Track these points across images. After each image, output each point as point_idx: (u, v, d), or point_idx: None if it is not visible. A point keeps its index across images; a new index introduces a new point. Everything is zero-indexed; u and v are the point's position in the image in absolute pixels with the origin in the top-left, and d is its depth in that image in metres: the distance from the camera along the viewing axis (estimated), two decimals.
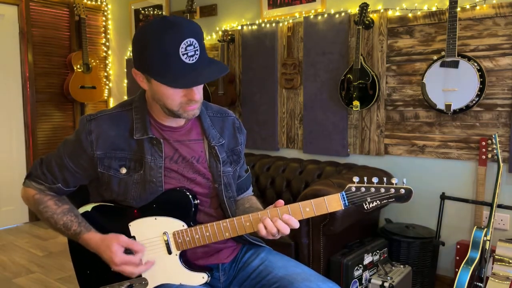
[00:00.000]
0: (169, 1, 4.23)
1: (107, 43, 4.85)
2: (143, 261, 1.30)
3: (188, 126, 1.40)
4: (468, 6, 2.63)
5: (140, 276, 1.33)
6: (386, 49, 2.94)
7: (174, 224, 1.31)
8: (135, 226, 1.33)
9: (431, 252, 2.65)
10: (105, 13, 4.82)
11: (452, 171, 2.77)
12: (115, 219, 1.36)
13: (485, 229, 2.20)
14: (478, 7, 2.60)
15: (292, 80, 3.37)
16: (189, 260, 1.35)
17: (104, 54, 4.84)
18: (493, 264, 2.17)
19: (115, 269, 1.28)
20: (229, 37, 3.67)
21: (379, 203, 1.22)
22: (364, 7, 2.87)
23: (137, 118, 1.34)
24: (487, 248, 2.20)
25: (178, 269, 1.32)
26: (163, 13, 4.27)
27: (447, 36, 2.53)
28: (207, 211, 1.41)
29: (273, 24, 3.45)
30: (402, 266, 2.60)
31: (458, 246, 2.60)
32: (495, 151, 2.45)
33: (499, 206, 2.43)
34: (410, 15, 2.83)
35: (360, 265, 2.46)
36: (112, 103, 4.88)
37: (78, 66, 4.37)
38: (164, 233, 1.31)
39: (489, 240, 2.20)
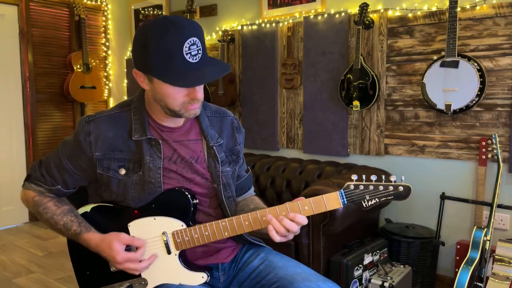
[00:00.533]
0: (169, 1, 4.23)
1: (107, 43, 4.85)
2: (145, 256, 1.30)
3: (187, 126, 1.40)
4: (468, 6, 2.63)
5: (139, 276, 1.33)
6: (386, 49, 2.94)
7: (173, 224, 1.31)
8: (134, 227, 1.33)
9: (431, 252, 2.65)
10: (105, 13, 4.82)
11: (452, 171, 2.77)
12: (114, 219, 1.36)
13: (485, 229, 2.20)
14: (478, 7, 2.60)
15: (292, 80, 3.37)
16: (188, 260, 1.35)
17: (104, 54, 4.84)
18: (493, 264, 2.17)
19: (118, 267, 1.28)
20: (229, 37, 3.67)
21: (377, 200, 1.22)
22: (364, 7, 2.87)
23: (136, 119, 1.34)
24: (487, 248, 2.20)
25: (178, 269, 1.32)
26: (163, 13, 4.27)
27: (447, 36, 2.53)
28: (206, 211, 1.41)
29: (273, 24, 3.45)
30: (402, 266, 2.60)
31: (458, 246, 2.60)
32: (495, 151, 2.45)
33: (499, 206, 2.43)
34: (410, 15, 2.83)
35: (360, 265, 2.45)
36: (112, 103, 4.88)
37: (78, 66, 4.37)
38: (163, 233, 1.31)
39: (489, 240, 2.20)
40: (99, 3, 4.75)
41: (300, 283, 1.28)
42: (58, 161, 1.37)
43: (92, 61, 4.48)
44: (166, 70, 1.19)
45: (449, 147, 2.77)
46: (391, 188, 1.21)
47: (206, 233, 1.28)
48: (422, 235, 2.71)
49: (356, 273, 2.43)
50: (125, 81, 4.69)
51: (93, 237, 1.31)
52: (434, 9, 2.75)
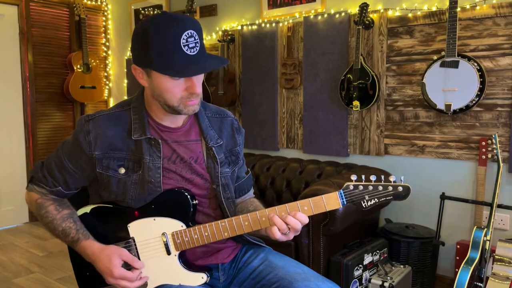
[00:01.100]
0: (169, 1, 4.23)
1: (107, 43, 4.85)
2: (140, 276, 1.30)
3: (187, 127, 1.40)
4: (468, 6, 2.62)
5: None
6: (386, 49, 2.94)
7: (173, 225, 1.31)
8: (134, 227, 1.33)
9: (431, 252, 2.65)
10: (105, 13, 4.82)
11: (452, 171, 2.77)
12: (114, 220, 1.36)
13: (485, 229, 2.20)
14: (478, 7, 2.60)
15: (292, 80, 3.37)
16: (188, 260, 1.35)
17: (104, 54, 4.84)
18: (493, 264, 2.16)
19: (110, 281, 1.27)
20: (229, 37, 3.67)
21: (377, 201, 1.22)
22: (364, 7, 2.87)
23: (135, 118, 1.34)
24: (487, 248, 2.20)
25: (177, 269, 1.32)
26: None
27: (447, 36, 2.53)
28: (206, 211, 1.41)
29: (273, 24, 3.45)
30: (402, 266, 2.60)
31: (458, 246, 2.60)
32: (495, 151, 2.44)
33: (499, 206, 2.43)
34: (410, 15, 2.83)
35: (360, 265, 2.45)
36: (112, 103, 4.88)
37: (78, 66, 4.37)
38: (163, 233, 1.30)
39: (489, 240, 2.20)
40: (99, 3, 4.75)
41: (300, 283, 1.28)
42: (58, 161, 1.37)
43: (92, 61, 4.48)
44: (165, 63, 1.19)
45: (449, 147, 2.76)
46: (390, 188, 1.21)
47: (206, 234, 1.28)
48: (422, 235, 2.71)
49: (356, 273, 2.43)
50: (125, 81, 4.69)
51: (90, 246, 1.31)
52: (434, 9, 2.75)
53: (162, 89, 1.25)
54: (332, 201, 1.23)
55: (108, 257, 1.27)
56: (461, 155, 2.73)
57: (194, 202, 1.33)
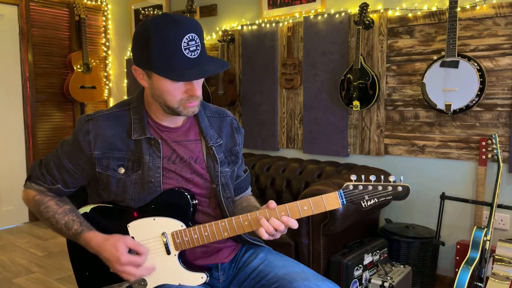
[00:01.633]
0: (169, 1, 4.23)
1: (107, 43, 4.85)
2: (145, 265, 1.30)
3: (186, 126, 1.40)
4: (468, 6, 2.62)
5: None
6: (386, 49, 2.94)
7: (173, 225, 1.31)
8: (133, 227, 1.33)
9: (431, 252, 2.65)
10: (105, 13, 4.82)
11: (452, 171, 2.77)
12: (113, 220, 1.36)
13: (485, 229, 2.20)
14: (478, 7, 2.60)
15: (292, 80, 3.37)
16: (188, 260, 1.35)
17: (104, 54, 4.85)
18: (493, 264, 2.16)
19: (117, 268, 1.26)
20: (229, 37, 3.67)
21: (377, 201, 1.22)
22: (364, 7, 2.87)
23: (135, 118, 1.34)
24: (487, 248, 2.20)
25: (177, 269, 1.32)
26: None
27: (447, 36, 2.53)
28: (205, 211, 1.41)
29: (273, 24, 3.45)
30: (402, 266, 2.60)
31: (458, 246, 2.60)
32: (495, 151, 2.44)
33: (499, 206, 2.42)
34: (410, 15, 2.83)
35: (360, 265, 2.45)
36: (112, 103, 4.88)
37: (78, 66, 4.37)
38: (163, 233, 1.30)
39: (489, 240, 2.20)
40: (99, 3, 4.75)
41: (300, 283, 1.28)
42: (57, 160, 1.37)
43: (92, 61, 4.48)
44: (166, 66, 1.19)
45: (449, 147, 2.76)
46: (390, 188, 1.21)
47: (206, 234, 1.28)
48: (422, 235, 2.71)
49: (356, 273, 2.43)
50: (125, 81, 4.69)
51: (94, 237, 1.31)
52: (434, 9, 2.75)
53: (162, 90, 1.25)
54: (331, 201, 1.23)
55: (113, 245, 1.26)
56: (461, 155, 2.73)
57: (194, 202, 1.33)
